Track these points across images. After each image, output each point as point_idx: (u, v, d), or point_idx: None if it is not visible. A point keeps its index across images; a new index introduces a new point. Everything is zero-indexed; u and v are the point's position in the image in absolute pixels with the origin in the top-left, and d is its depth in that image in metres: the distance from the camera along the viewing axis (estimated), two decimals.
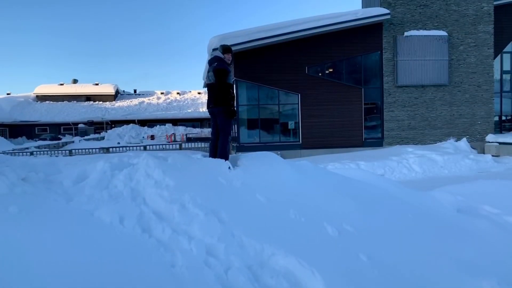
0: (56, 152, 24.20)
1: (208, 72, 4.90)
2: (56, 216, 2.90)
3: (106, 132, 39.17)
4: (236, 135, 16.66)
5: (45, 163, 4.09)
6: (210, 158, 4.74)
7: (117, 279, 2.29)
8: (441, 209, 4.61)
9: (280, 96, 17.05)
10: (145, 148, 25.03)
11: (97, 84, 51.87)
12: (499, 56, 19.53)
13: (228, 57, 4.96)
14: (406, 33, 17.21)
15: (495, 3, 17.81)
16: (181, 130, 39.02)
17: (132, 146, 26.09)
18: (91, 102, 49.14)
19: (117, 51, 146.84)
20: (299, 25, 16.02)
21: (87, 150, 24.10)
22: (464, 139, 17.31)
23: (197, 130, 39.96)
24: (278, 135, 17.27)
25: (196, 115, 45.46)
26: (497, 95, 19.37)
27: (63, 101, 48.66)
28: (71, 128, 43.96)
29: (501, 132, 19.62)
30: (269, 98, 17.14)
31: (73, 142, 33.66)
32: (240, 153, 8.34)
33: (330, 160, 13.69)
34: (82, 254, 2.42)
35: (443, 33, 17.36)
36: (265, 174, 4.22)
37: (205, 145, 23.94)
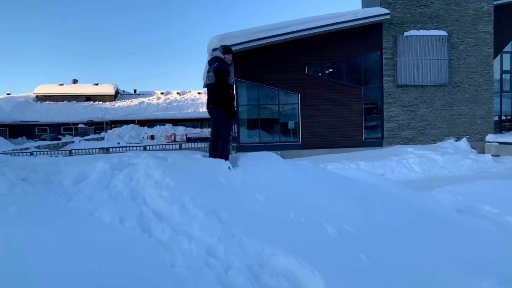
0: (56, 152, 24.21)
1: (208, 72, 4.90)
2: (56, 216, 2.90)
3: (106, 132, 39.22)
4: (236, 135, 16.65)
5: (45, 163, 4.09)
6: (210, 158, 4.74)
7: (117, 279, 2.29)
8: (441, 209, 4.61)
9: (280, 96, 17.05)
10: (145, 148, 25.05)
11: (97, 84, 51.91)
12: (499, 56, 19.52)
13: (228, 58, 4.96)
14: (406, 33, 17.21)
15: (495, 3, 17.80)
16: (181, 130, 39.05)
17: (132, 146, 26.11)
18: (91, 102, 49.17)
19: (117, 51, 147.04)
20: (299, 25, 16.02)
21: (87, 150, 24.13)
22: (464, 139, 17.31)
23: (197, 130, 39.98)
24: (278, 135, 17.27)
25: (196, 115, 45.47)
26: (497, 95, 19.35)
27: (63, 101, 48.71)
28: (71, 128, 43.99)
29: (501, 132, 19.61)
30: (269, 98, 17.14)
31: (73, 142, 33.69)
32: (240, 153, 8.33)
33: (330, 160, 13.69)
34: (82, 254, 2.42)
35: (443, 33, 17.36)
36: (265, 174, 4.22)
37: (205, 145, 23.95)
